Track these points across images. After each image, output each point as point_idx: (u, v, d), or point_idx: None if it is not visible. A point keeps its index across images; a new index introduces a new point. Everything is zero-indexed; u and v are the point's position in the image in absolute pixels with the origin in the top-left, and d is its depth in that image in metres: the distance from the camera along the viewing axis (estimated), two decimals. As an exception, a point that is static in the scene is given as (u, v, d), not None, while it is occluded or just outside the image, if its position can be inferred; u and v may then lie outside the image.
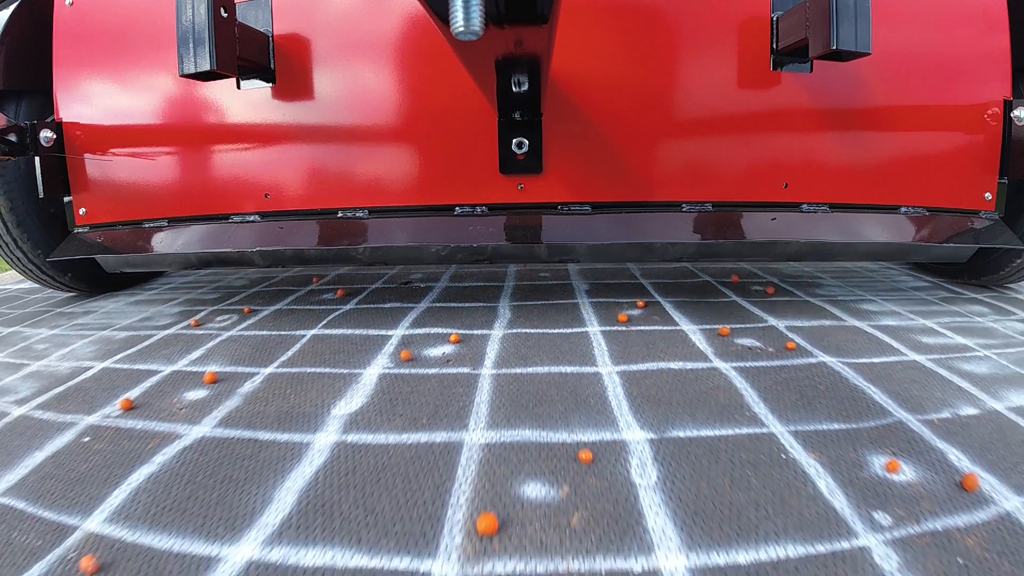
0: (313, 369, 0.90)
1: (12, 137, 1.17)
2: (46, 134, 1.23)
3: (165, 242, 1.22)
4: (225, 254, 1.20)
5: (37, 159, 1.24)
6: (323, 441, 0.67)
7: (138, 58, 1.19)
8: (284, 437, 0.68)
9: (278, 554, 0.48)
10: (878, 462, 0.60)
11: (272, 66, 1.11)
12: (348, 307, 1.27)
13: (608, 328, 1.04)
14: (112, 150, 1.24)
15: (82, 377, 0.94)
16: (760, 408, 0.72)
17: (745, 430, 0.66)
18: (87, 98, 1.24)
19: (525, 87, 0.96)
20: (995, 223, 1.17)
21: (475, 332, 1.03)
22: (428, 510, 0.53)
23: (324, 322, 1.15)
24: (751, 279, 1.52)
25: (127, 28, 1.19)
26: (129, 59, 1.20)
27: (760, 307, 1.20)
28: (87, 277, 1.49)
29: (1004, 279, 1.33)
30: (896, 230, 1.13)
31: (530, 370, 0.85)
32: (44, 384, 0.93)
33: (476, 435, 0.66)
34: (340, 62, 1.11)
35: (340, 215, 1.15)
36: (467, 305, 1.25)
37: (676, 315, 1.13)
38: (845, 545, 0.47)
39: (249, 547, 0.49)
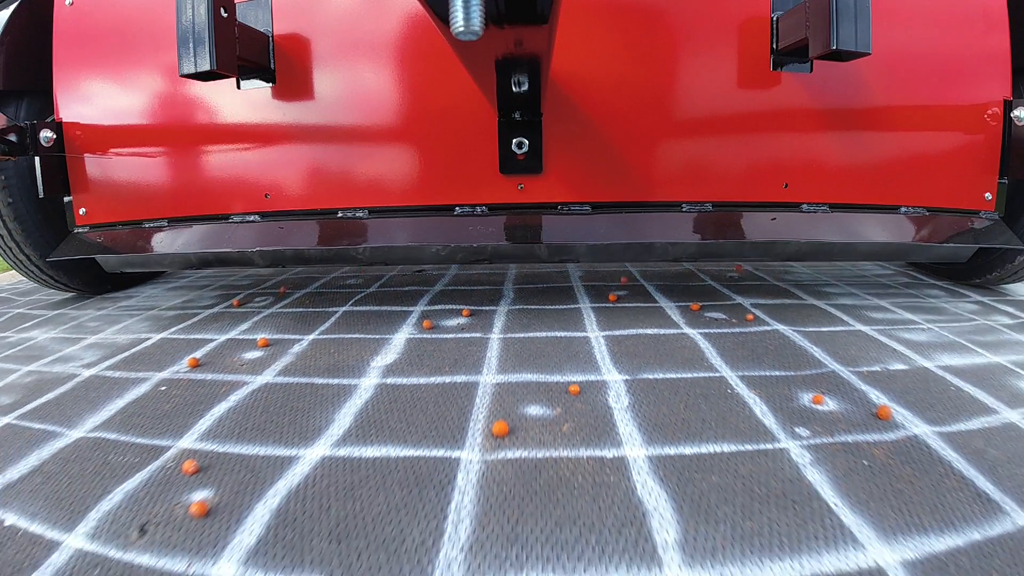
0: (350, 335, 1.05)
1: (12, 137, 1.17)
2: (46, 134, 1.23)
3: (165, 242, 1.22)
4: (225, 254, 1.20)
5: (37, 159, 1.24)
6: (367, 383, 0.82)
7: (138, 58, 1.19)
8: (335, 381, 0.84)
9: (344, 451, 0.64)
10: (807, 397, 0.74)
11: (272, 66, 1.11)
12: (371, 290, 1.42)
13: (598, 305, 1.20)
14: (112, 150, 1.24)
15: (142, 346, 1.06)
16: (716, 360, 0.87)
17: (701, 374, 0.81)
18: (87, 98, 1.24)
19: (525, 87, 0.96)
20: (995, 223, 1.17)
21: (484, 308, 1.19)
22: (455, 422, 0.69)
23: (352, 301, 1.31)
24: (726, 267, 1.67)
25: (127, 28, 1.19)
26: (129, 59, 1.20)
27: (731, 289, 1.35)
28: (87, 277, 1.49)
29: (1001, 279, 1.32)
30: (896, 230, 1.13)
31: (531, 335, 1.01)
32: (107, 352, 1.03)
33: (489, 377, 0.82)
34: (340, 62, 1.11)
35: (340, 215, 1.15)
36: (476, 288, 1.39)
37: (657, 295, 1.29)
38: (768, 446, 0.62)
39: (321, 448, 0.65)
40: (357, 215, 1.14)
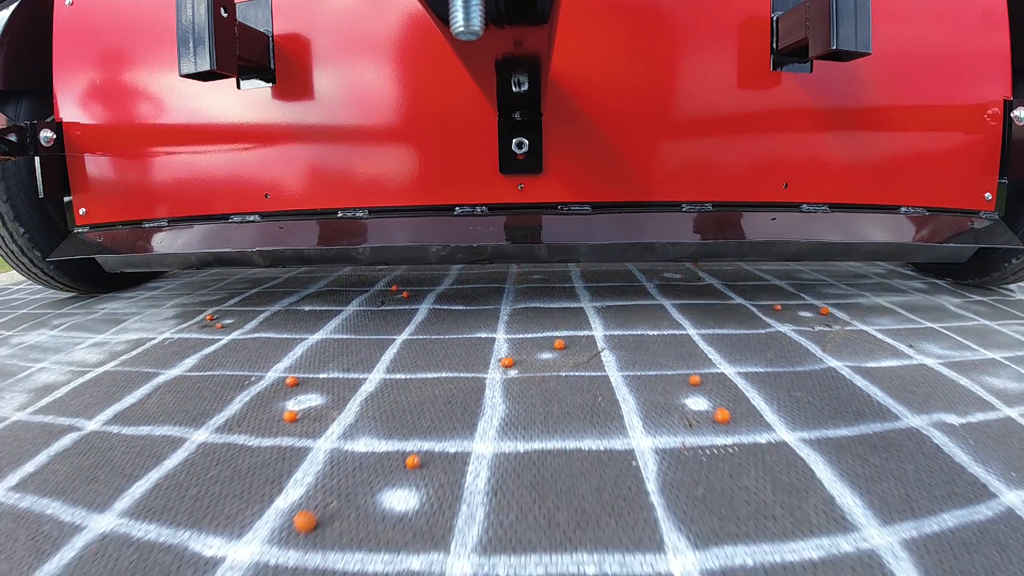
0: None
1: (12, 137, 1.17)
2: (46, 134, 1.23)
3: (165, 242, 1.22)
4: (225, 254, 1.20)
5: (37, 159, 1.24)
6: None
7: (138, 58, 1.19)
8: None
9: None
10: (666, 274, 1.52)
11: (272, 66, 1.11)
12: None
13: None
14: (112, 150, 1.24)
15: (283, 278, 1.68)
16: (630, 266, 1.66)
17: (623, 268, 1.60)
18: (87, 98, 1.24)
19: (525, 87, 0.96)
20: (995, 223, 1.17)
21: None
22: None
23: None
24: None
25: (127, 28, 1.19)
26: (129, 59, 1.20)
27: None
28: (89, 276, 1.49)
29: (1002, 279, 1.32)
30: (896, 230, 1.13)
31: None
32: (271, 274, 1.74)
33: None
34: (340, 62, 1.11)
35: (340, 215, 1.15)
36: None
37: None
38: (638, 284, 1.38)
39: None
40: (357, 215, 1.14)
